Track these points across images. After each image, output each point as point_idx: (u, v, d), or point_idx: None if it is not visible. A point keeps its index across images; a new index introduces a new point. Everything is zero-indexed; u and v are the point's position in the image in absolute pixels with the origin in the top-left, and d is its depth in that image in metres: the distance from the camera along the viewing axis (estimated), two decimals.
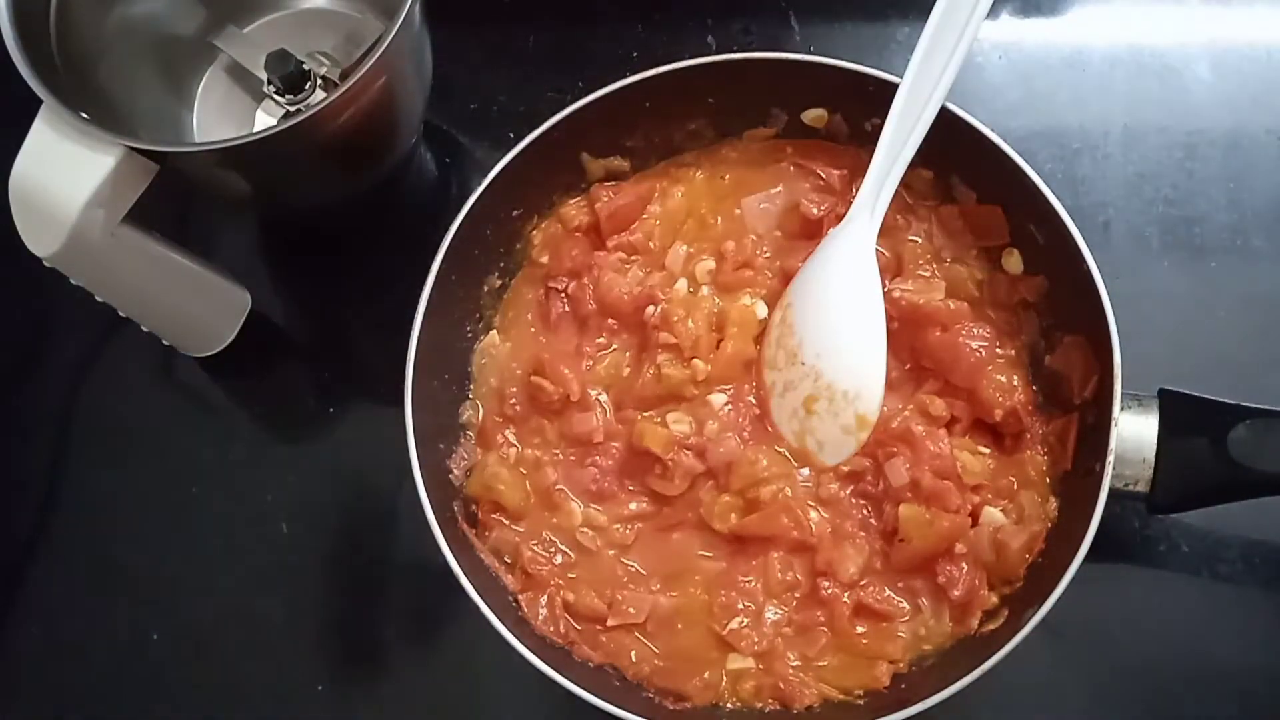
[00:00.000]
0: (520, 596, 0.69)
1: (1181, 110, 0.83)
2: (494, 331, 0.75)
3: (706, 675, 0.68)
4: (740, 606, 0.69)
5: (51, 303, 0.84)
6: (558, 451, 0.72)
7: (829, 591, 0.68)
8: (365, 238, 0.83)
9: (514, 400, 0.73)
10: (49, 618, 0.78)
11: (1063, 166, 0.82)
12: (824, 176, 0.75)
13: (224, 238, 0.85)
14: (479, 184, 0.71)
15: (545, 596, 0.69)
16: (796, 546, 0.69)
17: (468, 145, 0.85)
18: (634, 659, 0.68)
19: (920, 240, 0.74)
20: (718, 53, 0.73)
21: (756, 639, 0.68)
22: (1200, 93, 0.84)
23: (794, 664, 0.68)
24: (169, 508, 0.79)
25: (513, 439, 0.73)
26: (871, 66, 0.70)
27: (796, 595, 0.69)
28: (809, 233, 0.74)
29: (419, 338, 0.68)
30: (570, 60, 0.86)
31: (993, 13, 0.85)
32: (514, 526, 0.71)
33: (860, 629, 0.68)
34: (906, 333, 0.71)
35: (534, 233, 0.76)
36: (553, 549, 0.71)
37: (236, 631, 0.76)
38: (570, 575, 0.70)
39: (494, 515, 0.71)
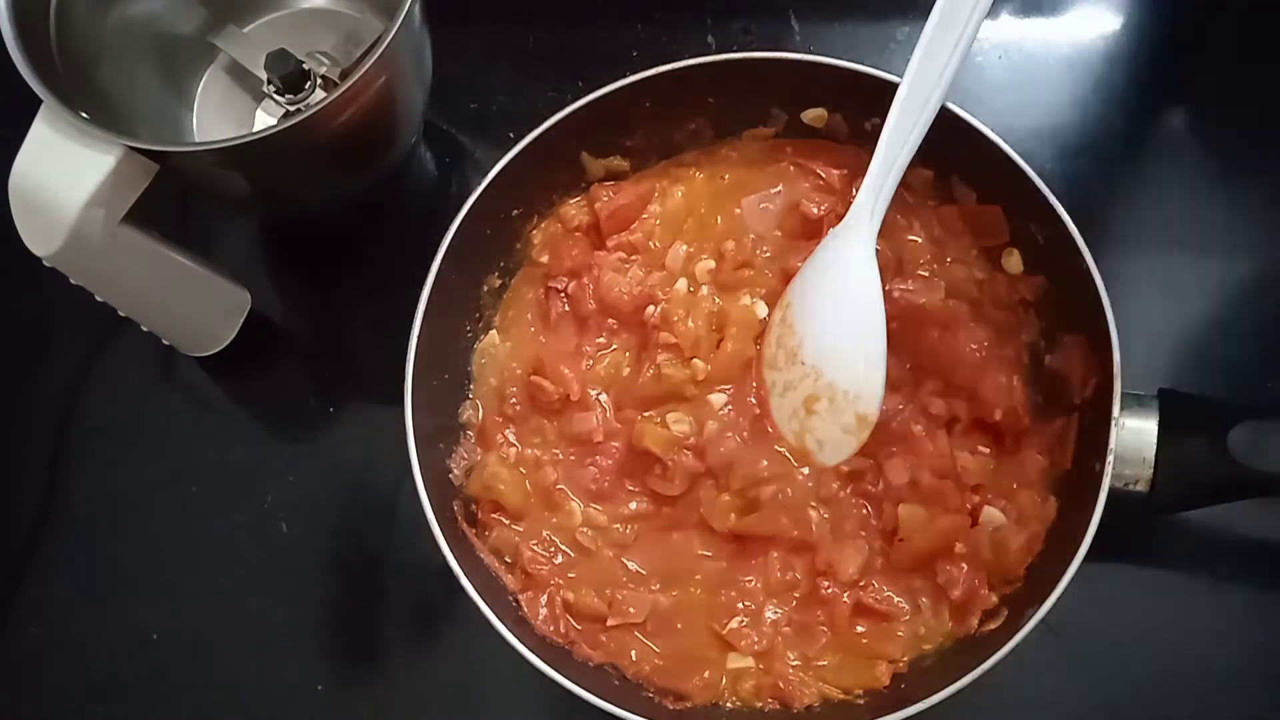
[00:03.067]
0: (520, 596, 0.69)
1: None
2: (494, 331, 0.75)
3: (706, 675, 0.68)
4: (740, 606, 0.69)
5: (51, 303, 0.84)
6: (557, 451, 0.72)
7: (829, 591, 0.68)
8: (365, 238, 0.83)
9: (514, 400, 0.73)
10: (49, 618, 0.78)
11: (1062, 166, 0.82)
12: (824, 176, 0.75)
13: (224, 237, 0.85)
14: (479, 184, 0.71)
15: (545, 596, 0.69)
16: (796, 546, 0.69)
17: (468, 145, 0.85)
18: (634, 658, 0.68)
19: (920, 240, 0.74)
20: (717, 52, 0.73)
21: (756, 638, 0.68)
22: None
23: (794, 663, 0.68)
24: (169, 507, 0.79)
25: (513, 439, 0.73)
26: (871, 66, 0.70)
27: (796, 595, 0.69)
28: (809, 233, 0.74)
29: (419, 337, 0.68)
30: (570, 60, 0.86)
31: (993, 12, 0.85)
32: (514, 526, 0.71)
33: (860, 628, 0.68)
34: (906, 333, 0.71)
35: (534, 232, 0.76)
36: (553, 549, 0.71)
37: (236, 631, 0.76)
38: (570, 575, 0.70)
39: (494, 515, 0.71)
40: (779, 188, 0.76)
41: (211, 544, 0.78)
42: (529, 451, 0.73)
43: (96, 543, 0.79)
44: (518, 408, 0.73)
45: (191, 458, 0.80)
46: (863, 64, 0.71)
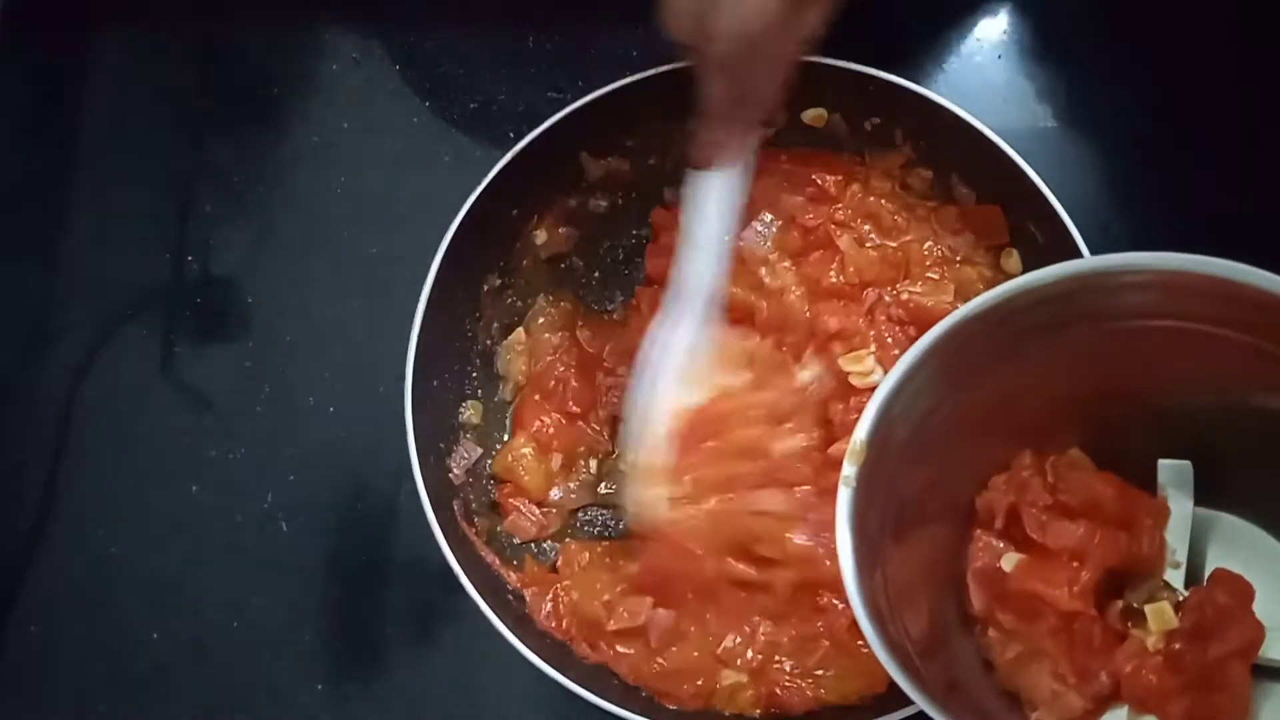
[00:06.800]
0: (525, 591, 0.69)
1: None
2: (519, 330, 0.76)
3: (701, 682, 0.67)
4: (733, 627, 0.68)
5: (51, 303, 0.84)
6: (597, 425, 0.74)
7: (827, 602, 0.67)
8: (364, 237, 0.83)
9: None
10: (48, 618, 0.78)
11: (1062, 166, 0.82)
12: (820, 182, 0.75)
13: (223, 238, 0.85)
14: (479, 183, 0.71)
15: (550, 593, 0.69)
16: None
17: (468, 144, 0.85)
18: (633, 661, 0.68)
19: (925, 242, 0.73)
20: None
21: (750, 655, 0.68)
22: None
23: (791, 671, 0.67)
24: (168, 507, 0.79)
25: (549, 421, 0.74)
26: (870, 67, 0.70)
27: (794, 620, 0.68)
28: (809, 247, 0.74)
29: (419, 337, 0.68)
30: (570, 60, 0.86)
31: (991, 12, 0.86)
32: (529, 513, 0.72)
33: (860, 641, 0.67)
34: (919, 335, 0.70)
35: (534, 232, 0.76)
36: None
37: (236, 631, 0.76)
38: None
39: (513, 500, 0.72)
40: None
41: (212, 544, 0.78)
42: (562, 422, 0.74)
43: (96, 542, 0.79)
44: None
45: (191, 457, 0.80)
46: (862, 64, 0.71)
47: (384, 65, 0.88)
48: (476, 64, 0.87)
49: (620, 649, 0.68)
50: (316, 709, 0.75)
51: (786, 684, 0.67)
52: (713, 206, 0.68)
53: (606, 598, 0.69)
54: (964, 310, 0.56)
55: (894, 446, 0.56)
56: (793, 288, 0.72)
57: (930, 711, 0.52)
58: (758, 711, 0.67)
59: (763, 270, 0.73)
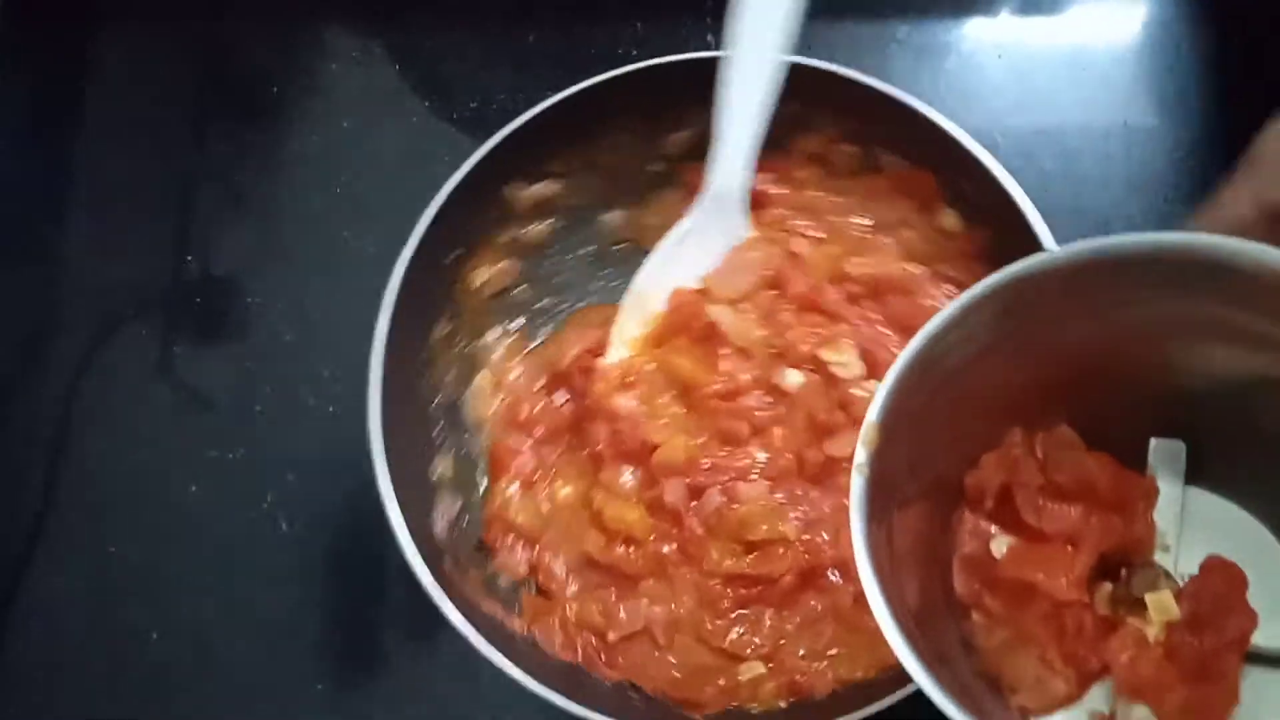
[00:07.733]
0: (534, 630, 0.67)
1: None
2: (485, 371, 0.75)
3: (722, 682, 0.67)
4: (734, 616, 0.68)
5: (50, 302, 0.84)
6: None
7: (827, 580, 0.67)
8: (364, 237, 0.84)
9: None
10: (48, 617, 0.78)
11: (1063, 165, 0.82)
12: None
13: (224, 237, 0.85)
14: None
15: (557, 619, 0.68)
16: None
17: (467, 144, 0.85)
18: (651, 674, 0.67)
19: (865, 214, 0.73)
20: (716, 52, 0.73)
21: (759, 642, 0.67)
22: None
23: (805, 656, 0.66)
24: (169, 507, 0.79)
25: (530, 461, 0.72)
26: (869, 68, 0.70)
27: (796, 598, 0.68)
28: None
29: (381, 410, 0.67)
30: (569, 60, 0.86)
31: (991, 11, 0.86)
32: (517, 551, 0.71)
33: (867, 614, 0.67)
34: (875, 304, 0.71)
35: (472, 273, 0.73)
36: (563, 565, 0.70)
37: (236, 631, 0.76)
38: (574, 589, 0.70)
39: (500, 538, 0.71)
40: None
41: (211, 543, 0.78)
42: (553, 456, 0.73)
43: (96, 542, 0.79)
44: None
45: (191, 457, 0.80)
46: (860, 65, 0.70)
47: (384, 65, 0.88)
48: (476, 64, 0.87)
49: (633, 660, 0.67)
50: (316, 709, 0.75)
51: (804, 670, 0.66)
52: (744, 102, 0.67)
53: (601, 606, 0.68)
54: (994, 279, 0.52)
55: (902, 426, 0.54)
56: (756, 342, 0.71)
57: (927, 687, 0.50)
58: (783, 703, 0.65)
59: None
